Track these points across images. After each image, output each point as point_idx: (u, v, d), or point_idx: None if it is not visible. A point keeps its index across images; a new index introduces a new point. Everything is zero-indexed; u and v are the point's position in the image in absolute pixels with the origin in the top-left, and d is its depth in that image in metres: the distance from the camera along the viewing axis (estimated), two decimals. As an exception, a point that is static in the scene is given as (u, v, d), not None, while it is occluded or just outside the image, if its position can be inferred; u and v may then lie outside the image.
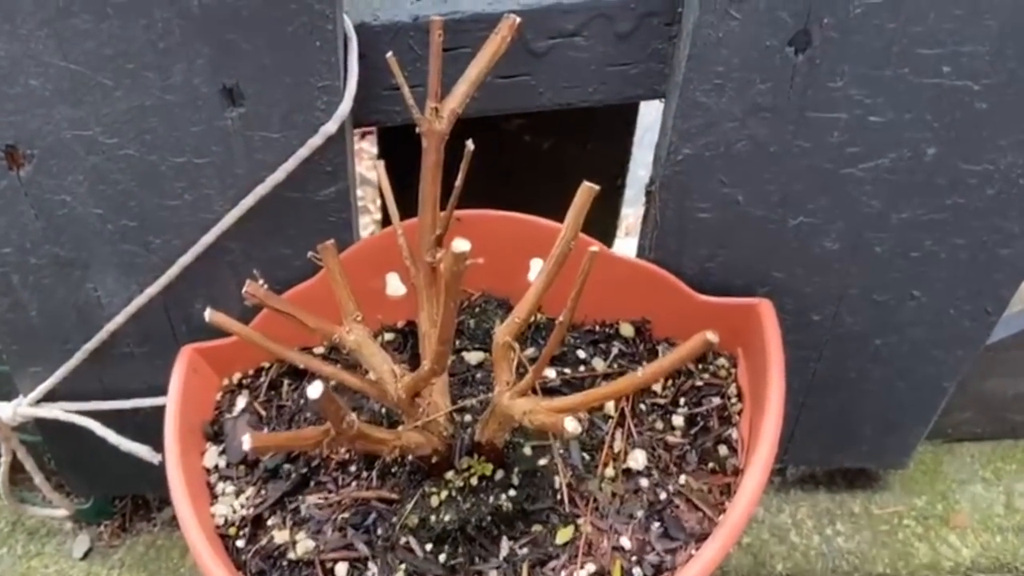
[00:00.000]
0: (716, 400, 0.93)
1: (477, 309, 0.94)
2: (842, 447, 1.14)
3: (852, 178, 0.85)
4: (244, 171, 0.86)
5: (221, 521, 0.87)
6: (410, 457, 0.86)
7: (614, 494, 0.86)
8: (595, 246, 0.77)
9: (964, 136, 0.81)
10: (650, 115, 1.01)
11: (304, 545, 0.83)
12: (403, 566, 0.82)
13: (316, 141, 0.84)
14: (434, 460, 0.81)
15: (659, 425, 0.92)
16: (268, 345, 0.79)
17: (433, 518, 0.82)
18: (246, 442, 0.61)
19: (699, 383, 0.94)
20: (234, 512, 0.88)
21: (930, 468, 1.23)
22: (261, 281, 0.76)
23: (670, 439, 0.91)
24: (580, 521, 0.84)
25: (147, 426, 1.04)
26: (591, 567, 0.80)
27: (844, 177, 0.85)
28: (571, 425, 0.63)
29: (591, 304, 0.92)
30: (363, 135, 2.14)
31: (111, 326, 0.97)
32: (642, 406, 0.94)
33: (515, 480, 0.84)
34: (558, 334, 0.68)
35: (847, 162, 0.84)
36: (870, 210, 0.87)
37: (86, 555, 1.21)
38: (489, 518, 0.82)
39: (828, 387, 1.06)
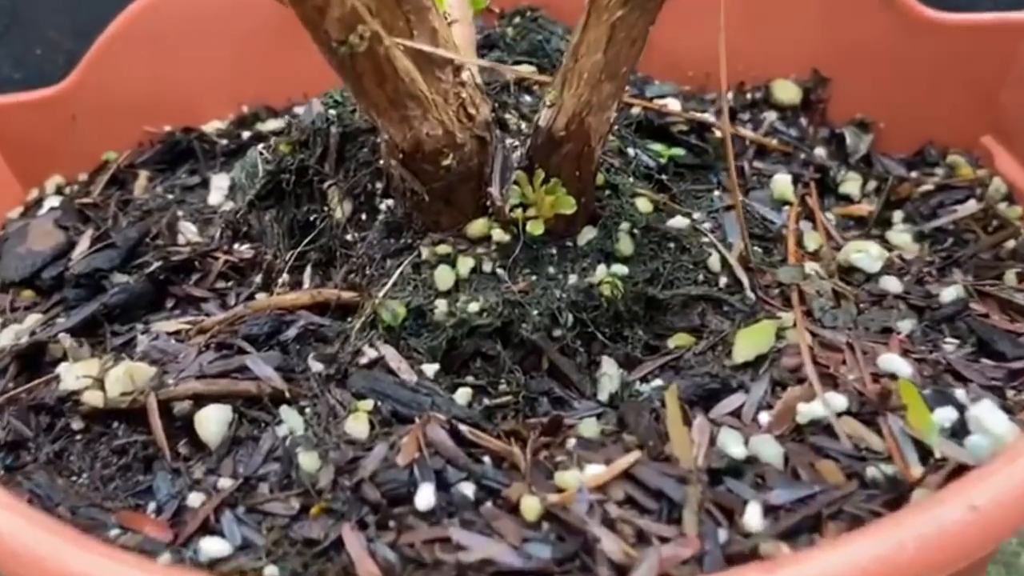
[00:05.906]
0: (970, 204, 0.48)
1: (518, 19, 0.50)
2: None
3: None
4: None
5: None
6: (385, 206, 0.38)
7: (837, 294, 0.39)
8: None
9: None
10: None
11: (124, 376, 0.34)
12: (368, 403, 0.33)
13: None
14: (449, 166, 0.34)
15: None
16: None
17: (442, 307, 0.34)
18: None
19: (927, 188, 0.50)
20: (-16, 344, 0.39)
21: None
22: None
23: (906, 256, 0.45)
24: (785, 317, 0.36)
25: None
26: (840, 398, 0.32)
27: None
28: None
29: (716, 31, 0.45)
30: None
31: None
32: (829, 215, 0.48)
33: (622, 244, 0.37)
34: None
35: None
36: None
37: None
38: (571, 315, 0.35)
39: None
